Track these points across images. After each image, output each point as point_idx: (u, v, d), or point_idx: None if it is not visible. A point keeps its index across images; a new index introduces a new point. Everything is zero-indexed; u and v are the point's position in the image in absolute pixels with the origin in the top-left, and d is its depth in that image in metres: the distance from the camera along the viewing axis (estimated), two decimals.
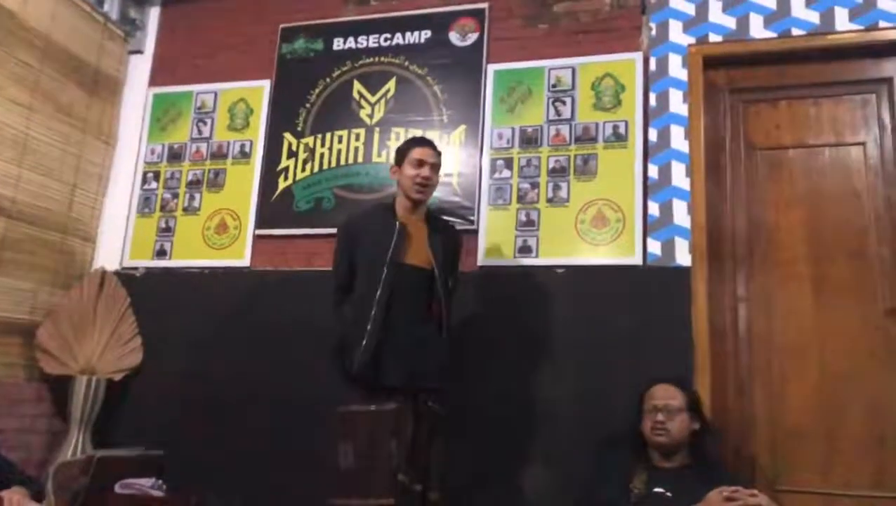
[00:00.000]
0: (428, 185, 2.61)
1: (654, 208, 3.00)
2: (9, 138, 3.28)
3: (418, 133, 3.33)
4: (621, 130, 3.12)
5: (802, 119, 3.02)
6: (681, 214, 2.96)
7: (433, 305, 2.54)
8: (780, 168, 3.01)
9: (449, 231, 2.75)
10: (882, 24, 2.91)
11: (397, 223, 2.55)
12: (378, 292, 2.43)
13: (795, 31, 3.01)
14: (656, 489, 2.32)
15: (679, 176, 3.00)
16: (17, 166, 3.32)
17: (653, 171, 3.04)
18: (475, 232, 3.18)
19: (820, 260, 2.87)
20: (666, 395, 2.45)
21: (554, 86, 3.26)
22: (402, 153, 2.65)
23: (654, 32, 3.19)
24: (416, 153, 2.60)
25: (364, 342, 2.39)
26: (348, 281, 2.57)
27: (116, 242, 3.72)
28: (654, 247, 2.96)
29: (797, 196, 2.96)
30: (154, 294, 3.56)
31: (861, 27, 2.94)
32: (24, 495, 2.06)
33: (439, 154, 2.66)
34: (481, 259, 3.15)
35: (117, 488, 2.97)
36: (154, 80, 3.94)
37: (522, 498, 2.86)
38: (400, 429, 2.38)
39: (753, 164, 3.04)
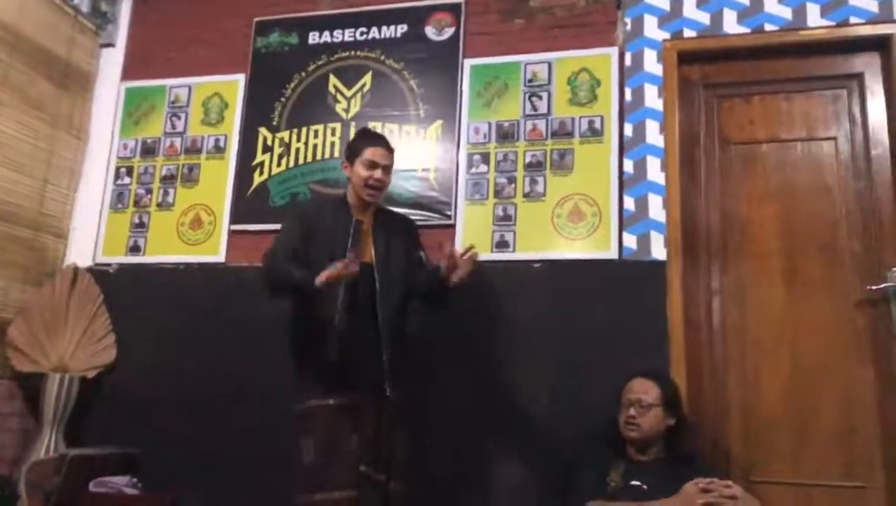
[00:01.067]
0: (380, 188, 2.60)
1: (629, 203, 3.01)
2: None
3: (395, 128, 3.33)
4: (597, 124, 3.14)
5: (775, 114, 3.06)
6: (656, 209, 2.98)
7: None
8: (754, 162, 3.04)
9: (400, 222, 2.76)
10: (853, 20, 2.95)
11: (354, 219, 2.53)
12: (341, 288, 2.42)
13: (768, 27, 3.04)
14: (633, 482, 2.33)
15: (654, 171, 3.02)
16: None
17: (628, 165, 3.06)
18: (452, 227, 3.18)
19: (792, 253, 2.91)
20: (640, 389, 2.46)
21: (530, 81, 3.27)
22: (354, 150, 2.62)
23: (629, 28, 3.20)
24: (369, 154, 2.56)
25: (335, 337, 2.39)
26: (298, 257, 2.49)
27: (89, 238, 3.67)
28: (630, 241, 2.97)
29: (770, 190, 2.99)
30: (127, 290, 3.51)
31: (832, 23, 2.97)
32: None
33: (392, 152, 2.64)
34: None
35: (91, 487, 2.95)
36: (126, 74, 3.88)
37: (498, 492, 2.86)
38: (361, 421, 2.39)
39: (727, 158, 3.07)
